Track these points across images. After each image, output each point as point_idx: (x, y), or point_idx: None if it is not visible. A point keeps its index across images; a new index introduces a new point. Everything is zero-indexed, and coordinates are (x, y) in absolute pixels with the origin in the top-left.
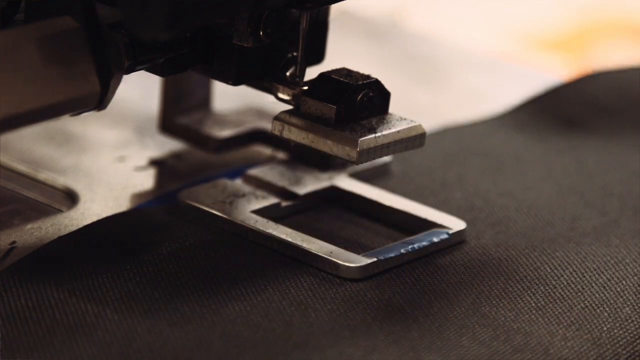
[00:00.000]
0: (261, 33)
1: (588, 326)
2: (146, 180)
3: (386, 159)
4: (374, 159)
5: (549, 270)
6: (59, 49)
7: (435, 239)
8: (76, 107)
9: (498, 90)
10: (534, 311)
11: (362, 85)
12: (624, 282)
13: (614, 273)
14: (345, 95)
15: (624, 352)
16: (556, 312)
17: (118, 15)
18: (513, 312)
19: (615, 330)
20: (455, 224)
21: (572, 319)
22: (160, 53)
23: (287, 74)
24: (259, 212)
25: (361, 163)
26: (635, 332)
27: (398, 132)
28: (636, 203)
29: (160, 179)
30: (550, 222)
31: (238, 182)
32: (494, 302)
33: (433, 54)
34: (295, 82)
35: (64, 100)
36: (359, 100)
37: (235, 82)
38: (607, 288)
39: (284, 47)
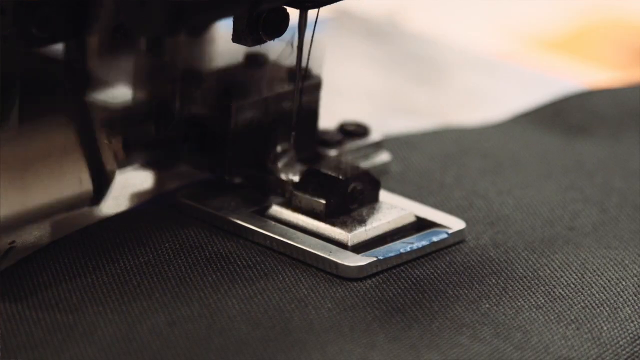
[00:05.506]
0: (261, 32)
1: (588, 325)
2: (145, 180)
3: (385, 158)
4: (364, 252)
5: (549, 272)
6: (51, 149)
7: (435, 239)
8: (69, 207)
9: (498, 90)
10: (533, 309)
11: (351, 179)
12: (623, 283)
13: (613, 274)
14: (335, 189)
15: (624, 352)
16: (556, 311)
17: (110, 113)
18: (513, 310)
19: (615, 330)
20: (455, 224)
21: (572, 317)
22: (151, 149)
23: (280, 165)
24: (258, 211)
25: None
26: (635, 332)
27: (389, 222)
28: (636, 199)
29: (159, 179)
30: (550, 221)
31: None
32: (494, 300)
33: (433, 54)
34: (286, 174)
35: (56, 201)
36: (348, 193)
37: (228, 175)
38: (607, 289)
39: (274, 138)
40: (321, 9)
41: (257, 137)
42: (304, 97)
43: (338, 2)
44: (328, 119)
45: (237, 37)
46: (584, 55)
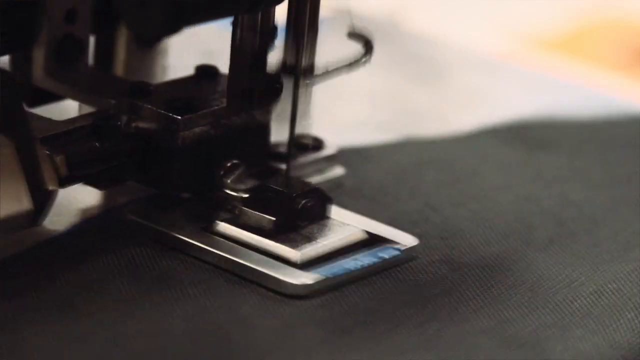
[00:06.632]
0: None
1: (538, 349)
2: (91, 197)
3: (339, 172)
4: (312, 269)
5: (500, 291)
6: None
7: (385, 256)
8: (9, 226)
9: (498, 90)
10: (480, 333)
11: (301, 195)
12: (575, 303)
13: (566, 294)
14: (284, 206)
15: None
16: (504, 335)
17: (49, 129)
18: (459, 334)
19: (567, 352)
20: (407, 240)
21: (521, 341)
22: (96, 165)
23: (228, 181)
24: (205, 228)
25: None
26: (587, 354)
27: (339, 239)
28: (594, 212)
29: (105, 195)
30: (505, 235)
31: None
32: (441, 323)
33: (433, 54)
34: (235, 190)
35: None
36: (298, 210)
37: (175, 190)
38: (558, 310)
39: (224, 153)
40: (321, 8)
41: (205, 152)
42: (255, 114)
43: (338, 2)
44: (328, 119)
45: (237, 41)
46: (584, 55)
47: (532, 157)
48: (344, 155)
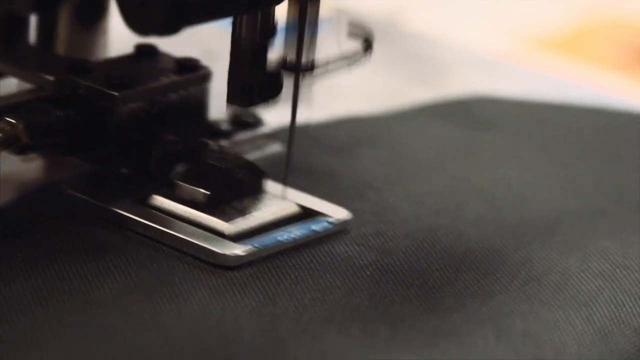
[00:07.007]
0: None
1: (459, 313)
2: (30, 170)
3: (277, 149)
4: (245, 242)
5: (426, 264)
6: None
7: (316, 228)
8: None
9: (498, 90)
10: (405, 303)
11: (233, 169)
12: (497, 273)
13: (489, 264)
14: (217, 179)
15: (494, 329)
16: (430, 303)
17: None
18: (386, 304)
19: (485, 311)
20: (338, 213)
21: (446, 306)
22: (58, 134)
23: (163, 156)
24: (141, 201)
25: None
26: (510, 311)
27: (271, 212)
28: (524, 192)
29: (44, 169)
30: (436, 211)
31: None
32: (367, 293)
33: (433, 54)
34: (170, 165)
35: None
36: (230, 183)
37: (113, 165)
38: (481, 279)
39: (160, 129)
40: (320, 8)
41: (142, 128)
42: (190, 88)
43: (338, 2)
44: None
45: (237, 42)
46: (584, 55)
47: (471, 136)
48: (281, 133)
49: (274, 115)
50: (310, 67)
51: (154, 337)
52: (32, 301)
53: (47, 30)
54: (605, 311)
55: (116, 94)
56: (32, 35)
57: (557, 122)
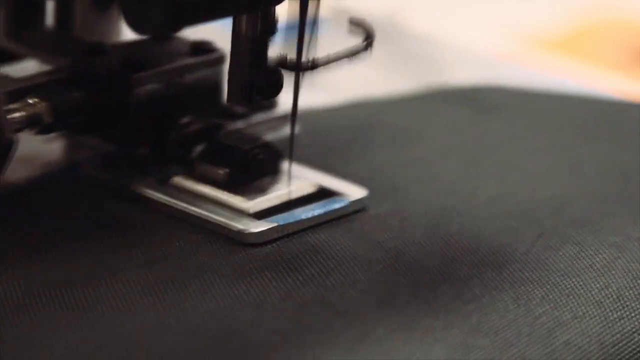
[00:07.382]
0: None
1: (476, 281)
2: (51, 151)
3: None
4: (267, 220)
5: (447, 237)
6: None
7: (335, 206)
8: None
9: None
10: (423, 272)
11: (252, 149)
12: (514, 246)
13: (504, 239)
14: (236, 159)
15: (506, 295)
16: (447, 271)
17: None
18: (405, 270)
19: (503, 278)
20: (356, 192)
21: (461, 275)
22: (80, 115)
23: (183, 136)
24: (161, 181)
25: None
26: (519, 278)
27: (290, 191)
28: (533, 175)
29: (65, 149)
30: (450, 192)
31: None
32: (388, 262)
33: (433, 54)
34: (189, 145)
35: None
36: (250, 163)
37: (132, 146)
38: (499, 252)
39: (178, 109)
40: (320, 8)
41: (159, 109)
42: (205, 71)
43: (338, 2)
44: None
45: (237, 41)
46: (584, 55)
47: (480, 121)
48: (299, 116)
49: (289, 97)
50: (311, 66)
51: (178, 313)
52: (56, 268)
53: (64, 14)
54: (622, 280)
55: (133, 75)
56: (50, 19)
57: (562, 110)
